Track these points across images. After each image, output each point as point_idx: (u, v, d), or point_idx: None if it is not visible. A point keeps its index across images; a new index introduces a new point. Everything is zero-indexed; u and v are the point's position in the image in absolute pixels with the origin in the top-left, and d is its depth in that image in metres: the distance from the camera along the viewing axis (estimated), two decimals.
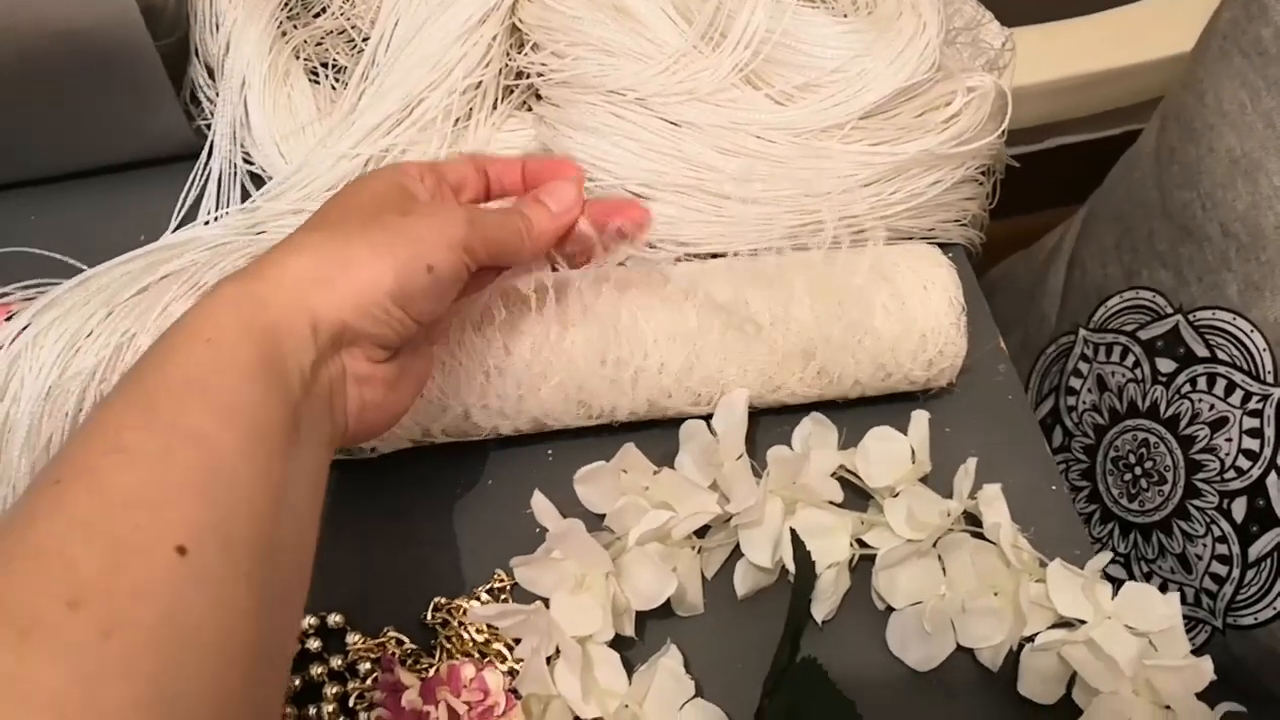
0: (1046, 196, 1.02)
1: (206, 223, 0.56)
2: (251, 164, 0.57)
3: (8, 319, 0.48)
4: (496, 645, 0.48)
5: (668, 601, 0.48)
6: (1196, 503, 0.65)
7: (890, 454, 0.50)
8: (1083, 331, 0.74)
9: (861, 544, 0.50)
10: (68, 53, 0.52)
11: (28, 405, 0.46)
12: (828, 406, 0.52)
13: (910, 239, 0.56)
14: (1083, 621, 0.46)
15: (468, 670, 0.45)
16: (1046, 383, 0.78)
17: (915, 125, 0.54)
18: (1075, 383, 0.75)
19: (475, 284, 0.45)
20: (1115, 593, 0.47)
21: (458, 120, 0.56)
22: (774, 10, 0.54)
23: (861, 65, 0.54)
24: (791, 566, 0.48)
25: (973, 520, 0.50)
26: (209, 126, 0.58)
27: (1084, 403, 0.74)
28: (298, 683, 0.47)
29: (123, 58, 0.53)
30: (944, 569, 0.49)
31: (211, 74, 0.58)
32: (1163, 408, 0.67)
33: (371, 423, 0.42)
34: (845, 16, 0.56)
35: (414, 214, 0.41)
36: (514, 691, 0.46)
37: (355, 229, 0.40)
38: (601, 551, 0.45)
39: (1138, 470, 0.69)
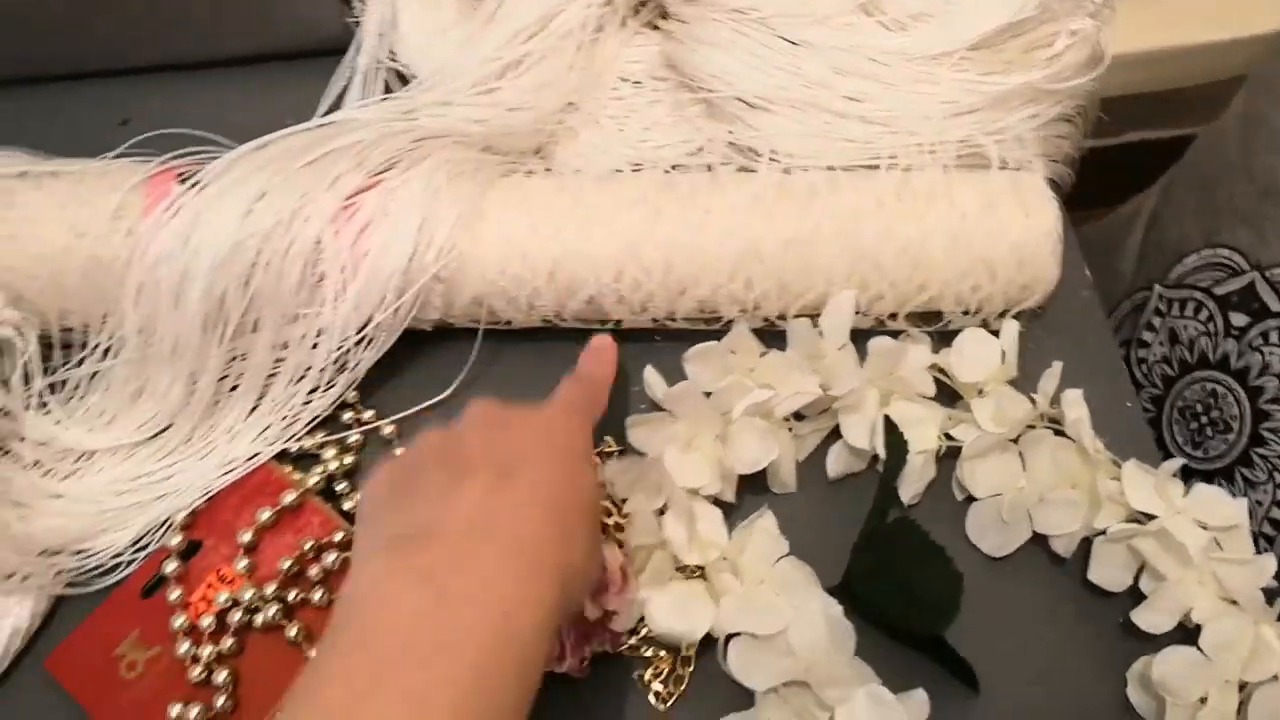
0: (1122, 193, 1.05)
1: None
2: (395, 62, 0.62)
3: (181, 180, 0.53)
4: (605, 503, 0.52)
5: (764, 477, 0.52)
6: (1261, 450, 0.68)
7: (981, 354, 0.53)
8: (1158, 288, 0.77)
9: (948, 438, 0.53)
10: None
11: (206, 260, 0.50)
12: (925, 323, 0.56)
13: (1005, 168, 0.59)
14: (1153, 516, 0.50)
15: None
16: (1119, 336, 0.81)
17: (1019, 60, 0.58)
18: (1148, 336, 0.78)
19: None
20: (1185, 493, 0.50)
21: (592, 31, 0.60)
22: None
23: (972, 0, 0.57)
24: (883, 453, 0.51)
25: (1053, 424, 0.53)
26: (357, 24, 0.62)
27: (1154, 355, 0.77)
28: None
29: None
30: (1024, 465, 0.52)
31: None
32: (1233, 359, 0.70)
33: None
34: None
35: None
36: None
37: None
38: (713, 412, 0.49)
39: (1204, 419, 0.72)
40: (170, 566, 0.50)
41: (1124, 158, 0.99)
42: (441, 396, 0.55)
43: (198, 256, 0.51)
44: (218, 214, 0.51)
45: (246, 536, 0.51)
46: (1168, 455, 0.74)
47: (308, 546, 0.51)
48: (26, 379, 0.53)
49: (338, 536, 0.51)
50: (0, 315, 0.52)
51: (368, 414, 0.55)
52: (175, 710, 0.48)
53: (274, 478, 0.53)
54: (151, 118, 0.59)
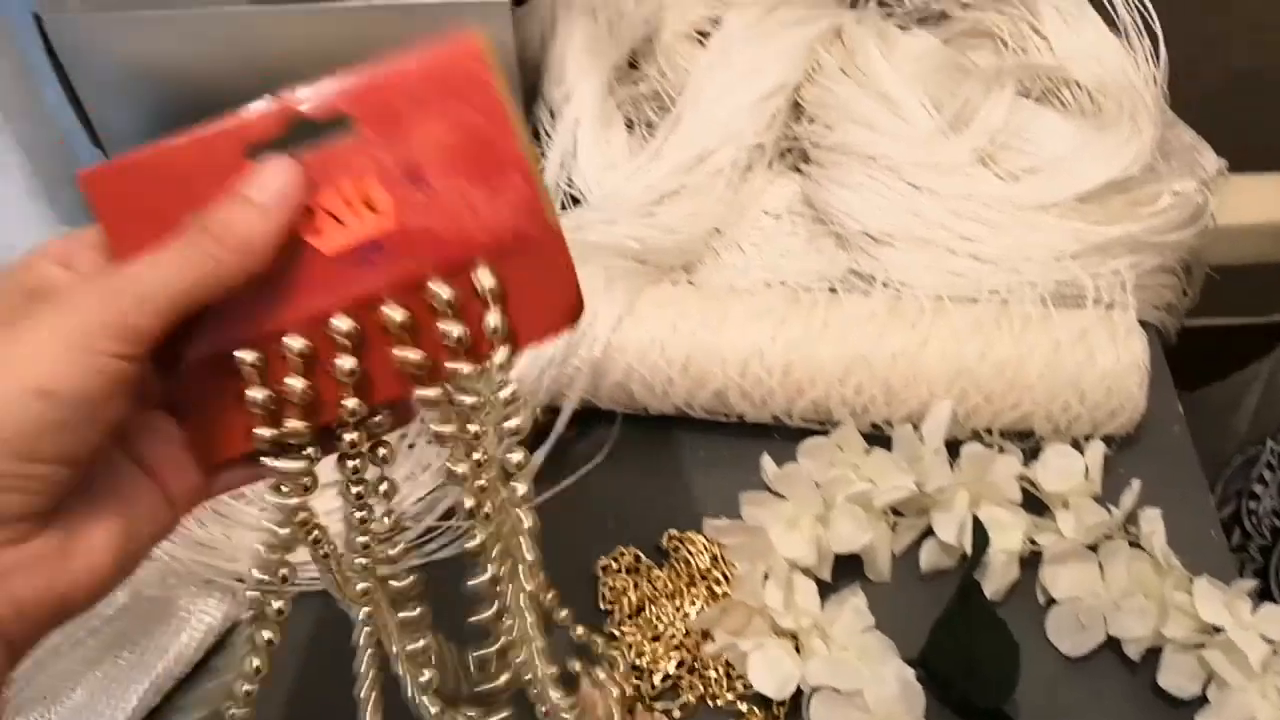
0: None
1: None
2: (571, 186, 0.72)
3: None
4: (715, 572, 0.59)
5: (859, 563, 0.59)
6: None
7: (1067, 467, 0.59)
8: (1270, 443, 0.81)
9: (1033, 543, 0.58)
10: None
11: None
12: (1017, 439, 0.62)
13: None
14: (1220, 629, 0.54)
15: None
16: (1230, 488, 0.84)
17: (1123, 213, 0.64)
18: (1258, 489, 0.81)
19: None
20: (1254, 610, 0.54)
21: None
22: (1012, 105, 0.66)
23: (1081, 157, 0.65)
24: (970, 551, 0.57)
25: (1131, 538, 0.58)
26: (544, 154, 0.73)
27: (1264, 507, 0.80)
28: None
29: None
30: (1102, 573, 0.57)
31: (551, 114, 0.73)
32: None
33: (50, 611, 0.33)
34: (1071, 116, 0.67)
35: (18, 321, 0.31)
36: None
37: None
38: (817, 495, 0.56)
39: None
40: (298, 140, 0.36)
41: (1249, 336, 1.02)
42: (584, 470, 0.63)
43: None
44: None
45: (416, 152, 0.36)
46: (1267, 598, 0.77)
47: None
48: None
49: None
50: None
51: None
52: None
53: (487, 77, 0.36)
54: None
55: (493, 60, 0.36)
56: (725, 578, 0.59)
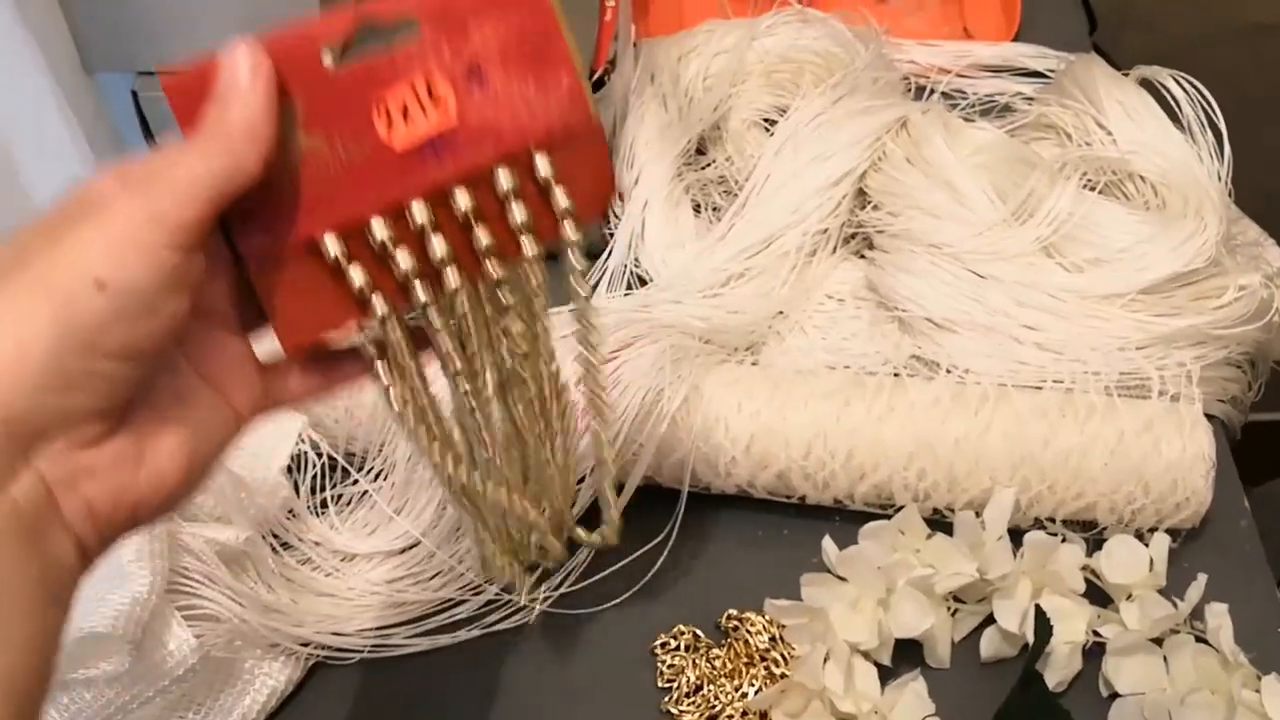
0: None
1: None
2: (638, 267, 0.74)
3: None
4: (774, 653, 0.59)
5: (920, 651, 0.58)
6: None
7: (1131, 559, 0.58)
8: None
9: (1096, 634, 0.58)
10: None
11: None
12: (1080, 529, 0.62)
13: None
14: None
15: None
16: None
17: (1187, 306, 0.65)
18: None
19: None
20: None
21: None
22: (1077, 197, 0.67)
23: (1145, 250, 0.65)
24: (1032, 640, 0.57)
25: (1198, 632, 0.57)
26: (611, 235, 0.75)
27: None
28: None
29: None
30: (1167, 667, 0.56)
31: (621, 197, 0.75)
32: None
33: (124, 517, 0.34)
34: (1136, 209, 0.68)
35: (74, 226, 0.32)
36: None
37: None
38: (879, 578, 0.56)
39: None
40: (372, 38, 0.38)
41: None
42: (646, 548, 0.63)
43: None
44: None
45: (477, 51, 0.39)
46: None
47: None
48: (313, 489, 0.65)
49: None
50: (302, 434, 0.65)
51: None
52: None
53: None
54: None
55: None
56: (784, 659, 0.59)
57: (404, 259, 0.39)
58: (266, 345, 0.41)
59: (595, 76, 0.75)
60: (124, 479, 0.34)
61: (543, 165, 0.40)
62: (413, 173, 0.39)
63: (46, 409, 0.31)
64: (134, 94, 0.70)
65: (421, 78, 0.38)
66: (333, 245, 0.38)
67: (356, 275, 0.39)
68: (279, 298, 0.39)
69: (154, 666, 0.54)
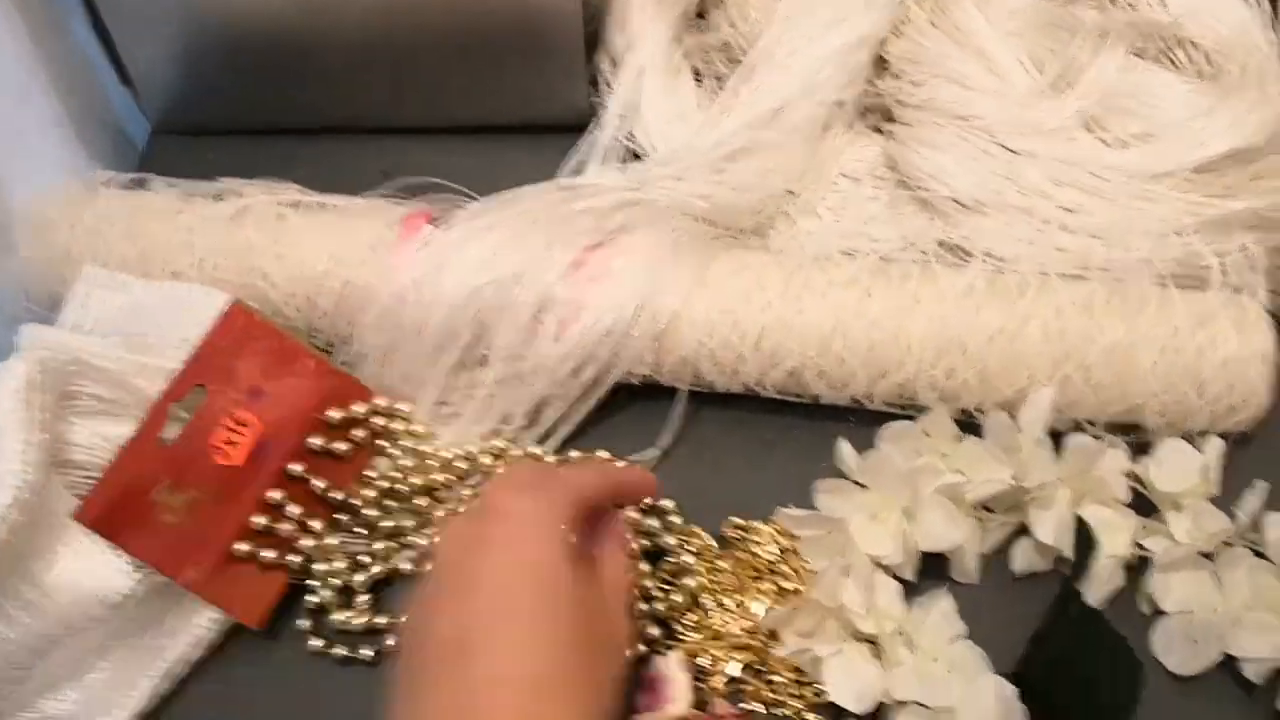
0: None
1: None
2: (632, 142, 0.66)
3: (432, 221, 0.58)
4: (784, 566, 0.53)
5: (945, 564, 0.53)
6: None
7: (1182, 466, 0.53)
8: None
9: (1140, 547, 0.53)
10: (510, 19, 0.63)
11: (447, 296, 0.55)
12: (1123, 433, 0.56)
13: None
14: None
15: None
16: None
17: (1244, 187, 0.58)
18: None
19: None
20: None
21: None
22: (1122, 64, 0.60)
23: (1201, 123, 0.58)
24: (1071, 553, 0.51)
25: (1253, 545, 0.52)
26: (603, 105, 0.67)
27: None
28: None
29: (555, 31, 0.64)
30: (1218, 584, 0.51)
31: (613, 62, 0.68)
32: None
33: None
34: (1189, 79, 0.61)
35: (606, 621, 0.44)
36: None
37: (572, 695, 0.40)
38: (903, 486, 0.50)
39: None
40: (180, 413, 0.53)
41: None
42: (645, 454, 0.58)
43: (439, 292, 0.56)
44: (462, 256, 0.56)
45: (248, 380, 0.54)
46: None
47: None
48: None
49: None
50: None
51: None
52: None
53: (255, 320, 0.56)
54: (410, 171, 0.65)
55: (252, 307, 0.56)
56: (795, 573, 0.53)
57: (285, 525, 0.54)
58: None
59: None
60: None
61: (333, 414, 0.56)
62: (258, 471, 0.54)
63: None
64: None
65: (227, 416, 0.54)
66: (243, 545, 0.53)
67: (268, 552, 0.54)
68: (226, 598, 0.53)
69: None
